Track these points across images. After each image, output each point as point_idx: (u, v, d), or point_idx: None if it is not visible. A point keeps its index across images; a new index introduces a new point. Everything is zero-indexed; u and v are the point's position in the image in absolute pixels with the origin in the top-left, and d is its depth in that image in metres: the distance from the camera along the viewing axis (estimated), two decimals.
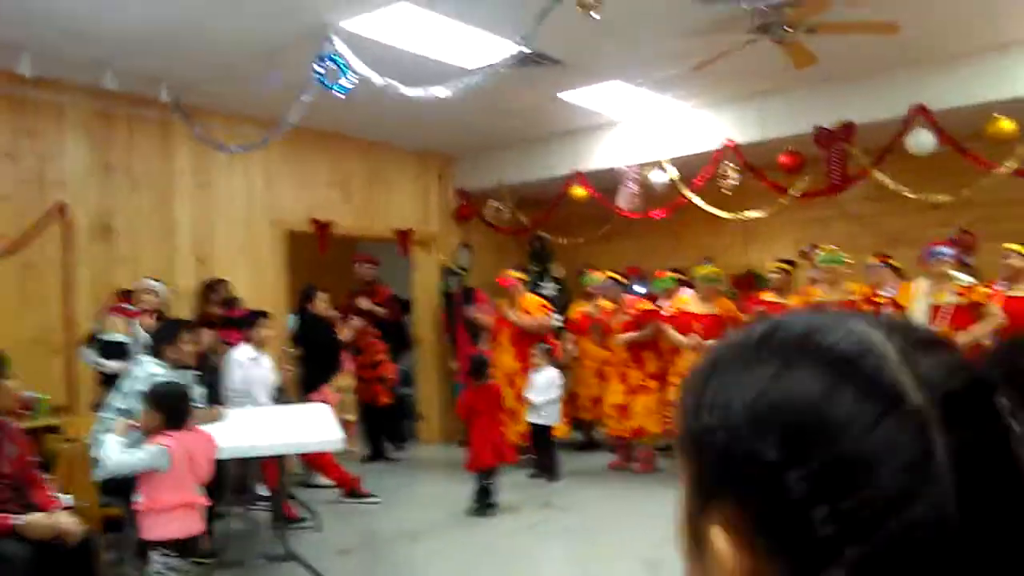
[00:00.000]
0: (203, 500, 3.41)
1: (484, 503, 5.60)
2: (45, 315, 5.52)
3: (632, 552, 4.57)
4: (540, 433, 6.51)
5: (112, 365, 4.79)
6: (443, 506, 5.84)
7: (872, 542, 0.45)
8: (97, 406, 4.70)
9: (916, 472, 0.46)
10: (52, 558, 2.99)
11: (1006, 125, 5.55)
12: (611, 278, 7.09)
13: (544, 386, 6.42)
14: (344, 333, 6.79)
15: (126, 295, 5.39)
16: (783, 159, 6.45)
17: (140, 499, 3.26)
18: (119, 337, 4.94)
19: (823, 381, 0.49)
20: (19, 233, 5.38)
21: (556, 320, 7.31)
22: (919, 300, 5.45)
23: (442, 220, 8.61)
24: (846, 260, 5.85)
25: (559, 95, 6.48)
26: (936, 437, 0.46)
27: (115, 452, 3.21)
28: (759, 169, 6.61)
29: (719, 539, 0.51)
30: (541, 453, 6.58)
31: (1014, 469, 0.48)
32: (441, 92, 4.76)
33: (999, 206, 6.35)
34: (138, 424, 3.44)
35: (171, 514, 3.27)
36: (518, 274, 7.26)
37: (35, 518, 3.01)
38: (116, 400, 3.96)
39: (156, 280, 5.56)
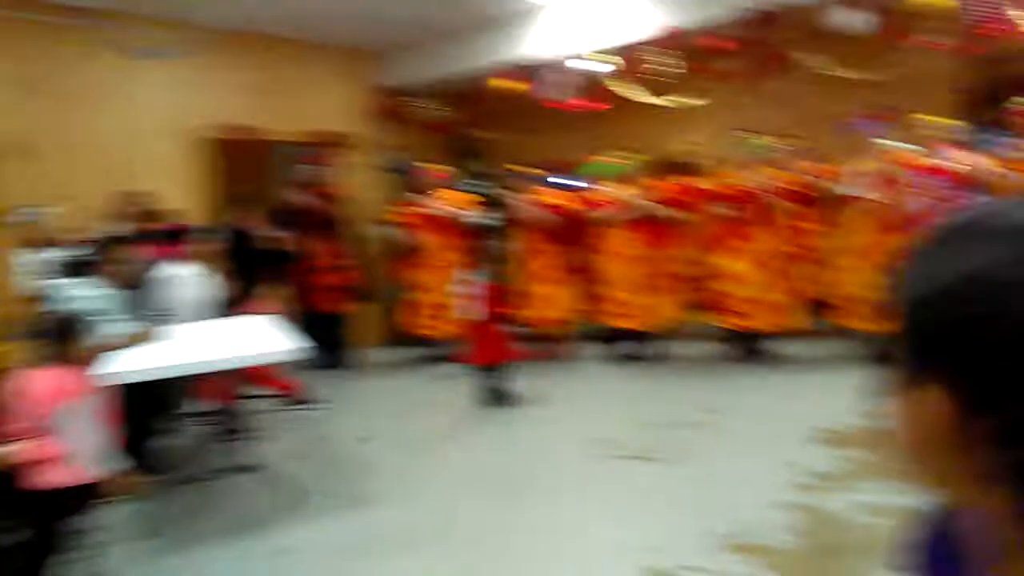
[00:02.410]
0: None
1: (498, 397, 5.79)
2: None
3: None
4: None
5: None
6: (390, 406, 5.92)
7: None
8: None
9: None
10: None
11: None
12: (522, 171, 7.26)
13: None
14: (279, 242, 6.58)
15: None
16: (710, 42, 6.33)
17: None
18: None
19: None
20: None
21: (480, 217, 7.22)
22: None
23: (366, 120, 8.34)
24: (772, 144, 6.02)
25: None
26: None
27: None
28: (698, 54, 6.48)
29: (929, 397, 0.54)
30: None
31: None
32: None
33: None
34: None
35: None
36: (440, 168, 7.20)
37: None
38: None
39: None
